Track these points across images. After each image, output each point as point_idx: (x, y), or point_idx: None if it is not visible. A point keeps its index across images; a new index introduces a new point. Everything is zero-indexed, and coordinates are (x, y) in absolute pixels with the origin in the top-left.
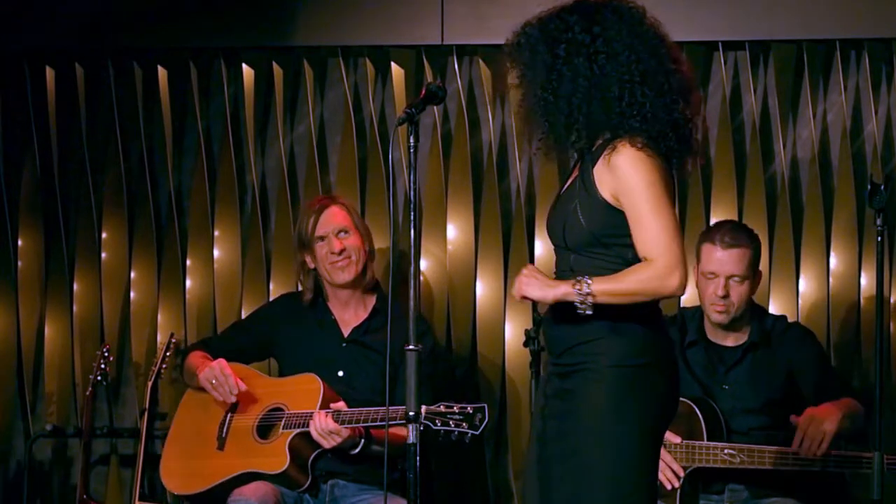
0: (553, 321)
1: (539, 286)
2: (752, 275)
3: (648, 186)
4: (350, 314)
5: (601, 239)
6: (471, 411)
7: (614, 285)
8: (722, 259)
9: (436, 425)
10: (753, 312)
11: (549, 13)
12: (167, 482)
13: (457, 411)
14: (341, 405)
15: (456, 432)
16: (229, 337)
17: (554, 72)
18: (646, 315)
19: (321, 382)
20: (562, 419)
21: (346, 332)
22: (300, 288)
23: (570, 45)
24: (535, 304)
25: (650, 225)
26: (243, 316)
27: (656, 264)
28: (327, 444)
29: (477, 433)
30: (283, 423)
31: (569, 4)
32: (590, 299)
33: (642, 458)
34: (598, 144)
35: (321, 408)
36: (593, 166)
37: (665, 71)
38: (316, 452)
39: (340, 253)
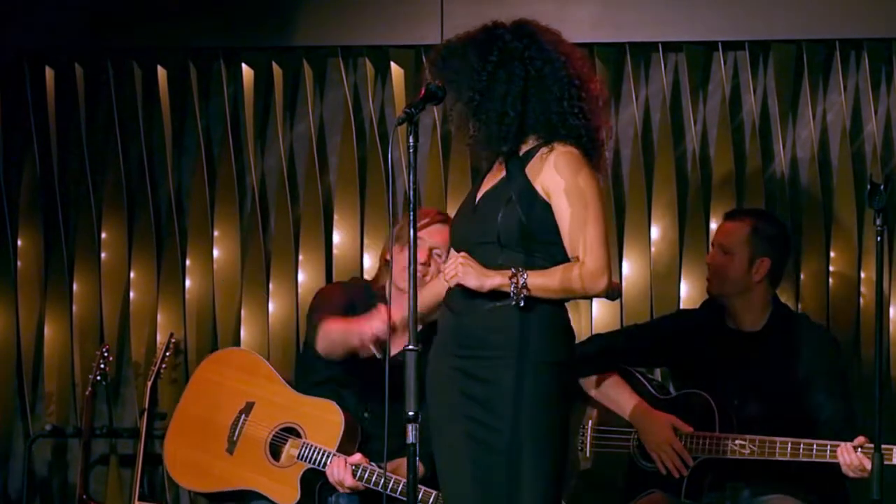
0: (466, 312)
1: (476, 275)
2: (746, 252)
3: (586, 188)
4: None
5: (537, 235)
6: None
7: (547, 280)
8: (719, 229)
9: None
10: (773, 302)
11: (474, 30)
12: (171, 469)
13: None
14: (358, 458)
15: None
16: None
17: (484, 73)
18: (564, 311)
19: (342, 417)
20: (487, 414)
21: (393, 351)
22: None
23: (502, 52)
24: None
25: (585, 226)
26: (243, 316)
27: (587, 265)
28: (341, 490)
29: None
30: (298, 451)
31: (491, 22)
32: (524, 292)
33: (563, 449)
34: (531, 146)
35: (340, 446)
36: (525, 166)
37: (591, 79)
38: (323, 480)
39: (423, 265)
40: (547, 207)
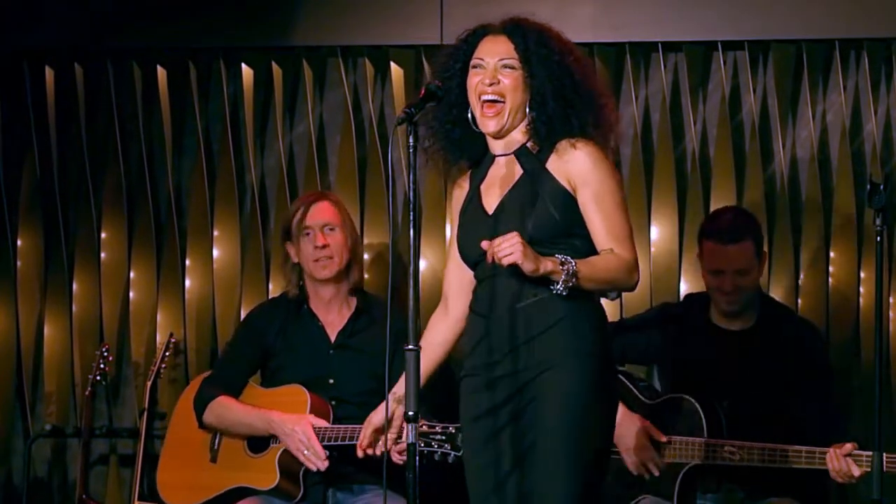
0: (499, 311)
1: (533, 257)
2: (758, 262)
3: (613, 182)
4: (334, 316)
5: (569, 229)
6: (453, 431)
7: (592, 270)
8: (727, 256)
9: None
10: (760, 296)
11: (539, 28)
12: (163, 493)
13: (439, 431)
14: (323, 423)
15: (438, 453)
16: (238, 366)
17: (561, 71)
18: (599, 303)
19: (308, 395)
20: (530, 408)
21: (332, 337)
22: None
23: (561, 55)
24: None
25: (618, 219)
26: (242, 315)
27: (626, 258)
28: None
29: (459, 454)
30: (274, 437)
31: (541, 26)
32: (573, 280)
33: (608, 439)
34: (550, 143)
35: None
36: (545, 161)
37: (594, 72)
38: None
39: (323, 248)
40: (574, 201)
